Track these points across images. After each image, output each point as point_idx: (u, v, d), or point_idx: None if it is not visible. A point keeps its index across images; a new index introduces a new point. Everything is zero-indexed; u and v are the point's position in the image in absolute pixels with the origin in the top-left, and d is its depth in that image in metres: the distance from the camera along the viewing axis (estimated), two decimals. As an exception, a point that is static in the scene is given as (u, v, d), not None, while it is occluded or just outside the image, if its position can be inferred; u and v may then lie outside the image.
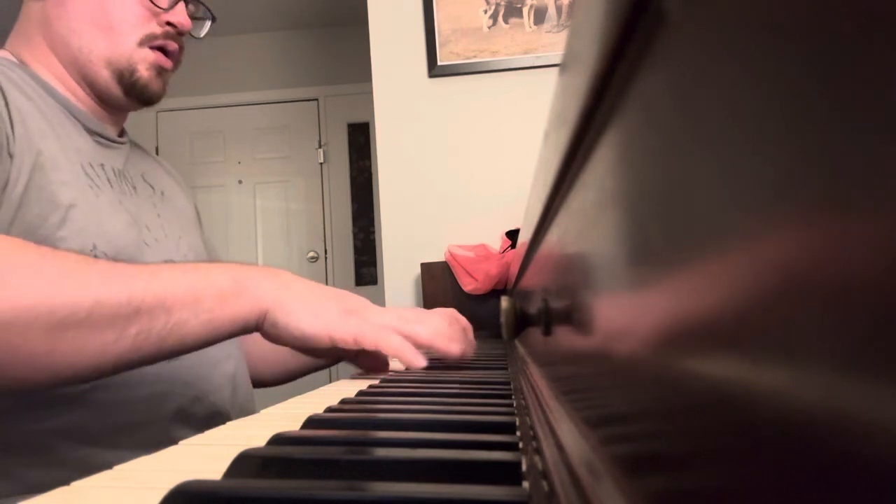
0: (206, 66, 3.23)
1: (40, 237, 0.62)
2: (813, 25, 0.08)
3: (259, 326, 0.59)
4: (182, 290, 0.54)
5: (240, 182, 3.37)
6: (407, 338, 0.62)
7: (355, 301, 0.64)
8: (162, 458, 0.32)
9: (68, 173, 0.67)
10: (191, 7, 0.82)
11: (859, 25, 0.07)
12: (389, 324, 0.62)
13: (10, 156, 0.62)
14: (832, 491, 0.08)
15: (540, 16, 1.64)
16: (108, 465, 0.30)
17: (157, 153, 3.24)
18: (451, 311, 0.76)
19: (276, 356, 0.91)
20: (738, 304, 0.10)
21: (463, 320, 0.78)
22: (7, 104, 0.64)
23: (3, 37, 0.80)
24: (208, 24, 0.89)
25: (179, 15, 0.78)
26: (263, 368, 0.92)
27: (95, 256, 0.65)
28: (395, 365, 0.75)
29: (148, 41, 0.76)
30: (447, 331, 0.67)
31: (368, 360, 0.69)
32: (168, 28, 0.77)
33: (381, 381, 0.60)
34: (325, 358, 0.75)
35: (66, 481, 0.27)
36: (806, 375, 0.08)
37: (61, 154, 0.67)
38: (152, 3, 0.76)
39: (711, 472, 0.12)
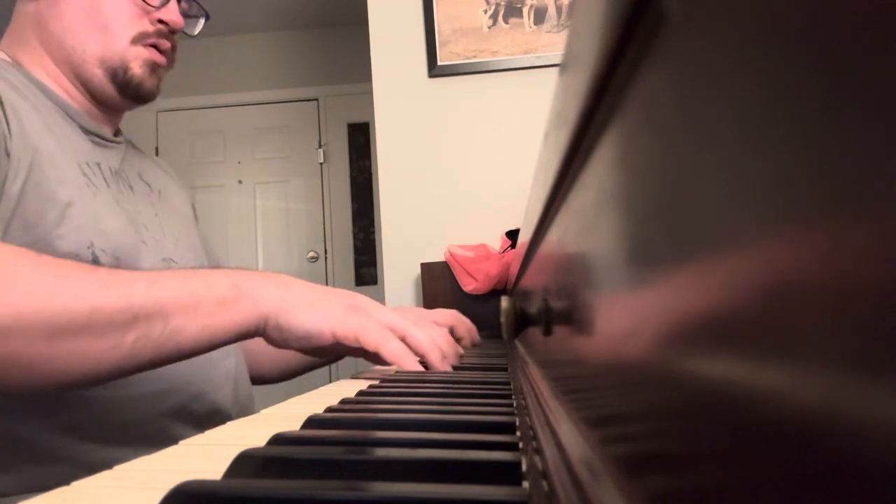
0: (206, 66, 3.23)
1: (38, 235, 0.62)
2: (814, 25, 0.08)
3: (261, 332, 0.59)
4: (181, 296, 0.54)
5: (240, 182, 3.36)
6: (407, 340, 0.62)
7: (360, 299, 0.64)
8: (162, 458, 0.32)
9: (66, 171, 0.67)
10: (183, 5, 0.82)
11: (860, 25, 0.07)
12: (392, 322, 0.62)
13: (7, 154, 0.62)
14: (832, 491, 0.08)
15: (540, 16, 1.64)
16: (107, 462, 0.30)
17: (156, 153, 3.25)
18: (455, 312, 0.81)
19: (279, 351, 0.91)
20: (738, 305, 0.10)
21: (467, 321, 0.83)
22: (2, 103, 0.64)
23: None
24: (202, 21, 0.89)
25: (171, 13, 0.78)
26: (266, 364, 0.92)
27: (93, 254, 0.65)
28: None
29: (140, 39, 0.76)
30: (444, 343, 0.67)
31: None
32: (160, 26, 0.77)
33: (381, 381, 0.60)
34: (328, 356, 0.76)
35: (65, 478, 0.27)
36: (805, 375, 0.08)
37: (59, 152, 0.67)
38: (144, 1, 0.76)
39: (711, 473, 0.12)
